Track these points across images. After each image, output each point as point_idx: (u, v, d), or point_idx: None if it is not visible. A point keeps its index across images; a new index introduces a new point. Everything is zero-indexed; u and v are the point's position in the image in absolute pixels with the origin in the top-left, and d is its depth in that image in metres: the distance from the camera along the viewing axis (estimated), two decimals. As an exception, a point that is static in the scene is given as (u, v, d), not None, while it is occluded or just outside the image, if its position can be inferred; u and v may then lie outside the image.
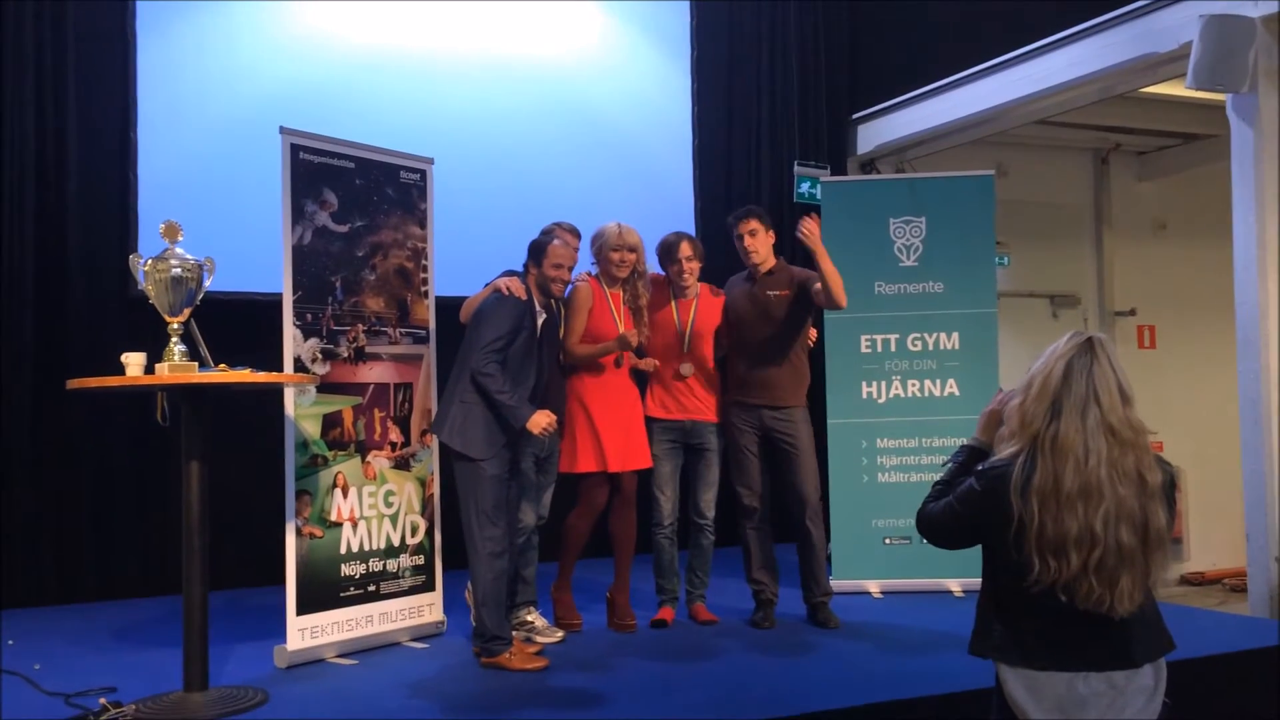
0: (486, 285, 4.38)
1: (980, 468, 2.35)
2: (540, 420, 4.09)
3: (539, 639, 4.48)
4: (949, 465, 2.49)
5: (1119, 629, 2.26)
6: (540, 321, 4.33)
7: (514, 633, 4.41)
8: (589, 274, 4.79)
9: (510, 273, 4.39)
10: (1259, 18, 5.05)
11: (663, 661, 4.26)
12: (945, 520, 2.41)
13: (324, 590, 4.33)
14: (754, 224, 4.82)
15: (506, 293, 4.25)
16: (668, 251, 4.82)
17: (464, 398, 4.18)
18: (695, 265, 4.81)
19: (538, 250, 4.35)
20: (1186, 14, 5.30)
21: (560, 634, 4.57)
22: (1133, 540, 2.20)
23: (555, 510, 4.71)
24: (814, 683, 3.94)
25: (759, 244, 4.82)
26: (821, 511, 4.90)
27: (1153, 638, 2.32)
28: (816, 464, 4.87)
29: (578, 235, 4.69)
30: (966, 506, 2.35)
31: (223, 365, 3.83)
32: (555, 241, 4.36)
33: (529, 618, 4.56)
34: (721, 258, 5.36)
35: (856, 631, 4.69)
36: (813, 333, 5.00)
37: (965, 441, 2.52)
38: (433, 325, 4.81)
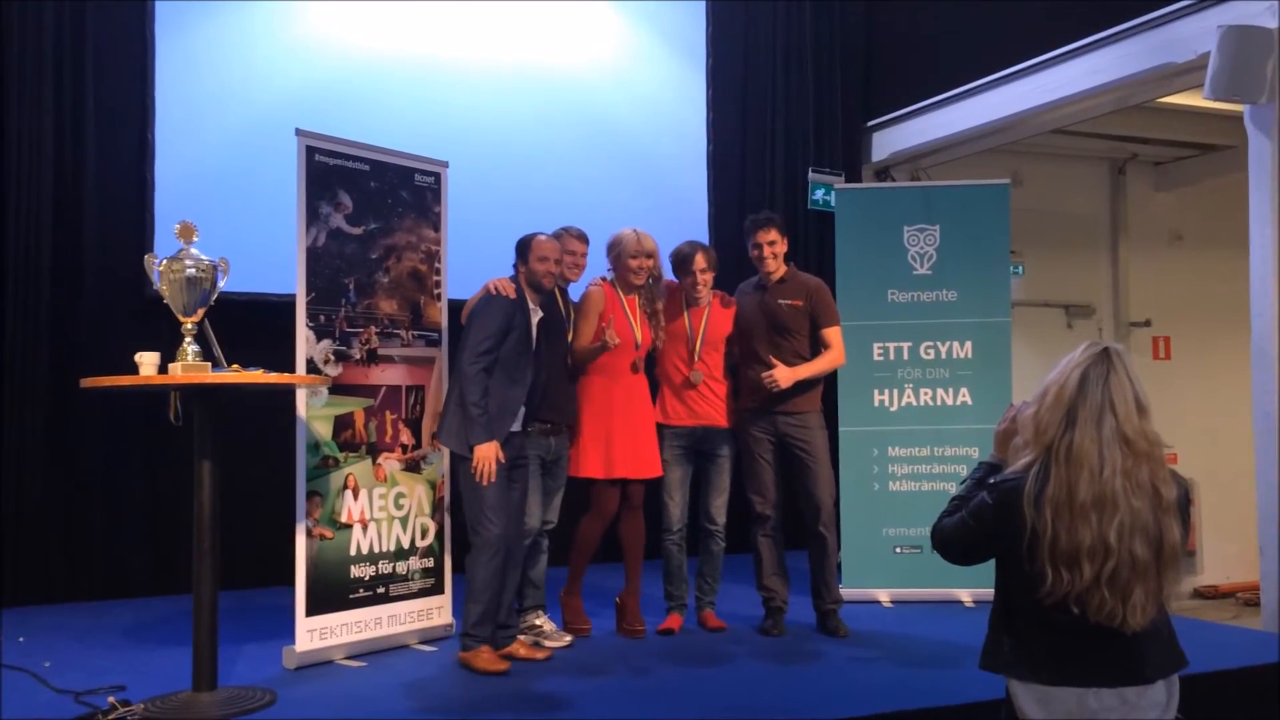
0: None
1: (992, 481, 2.34)
2: (487, 453, 4.06)
3: (547, 643, 4.48)
4: (967, 481, 2.48)
5: (1132, 644, 2.24)
6: (536, 320, 4.32)
7: (521, 635, 4.43)
8: (603, 278, 4.79)
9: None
10: (1277, 29, 5.02)
11: (670, 668, 4.25)
12: (959, 535, 2.40)
13: (333, 592, 4.33)
14: (774, 234, 4.81)
15: (495, 292, 4.27)
16: (682, 263, 4.81)
17: (459, 400, 4.20)
18: (709, 277, 4.80)
19: (523, 246, 4.37)
20: (1205, 24, 5.28)
21: (568, 638, 4.56)
22: (1146, 553, 2.18)
23: (565, 515, 4.71)
24: (822, 692, 3.92)
25: (777, 252, 4.82)
26: (835, 518, 4.89)
27: (1166, 654, 2.30)
28: (832, 470, 4.86)
29: (585, 240, 4.69)
30: (979, 521, 2.33)
31: (235, 366, 3.84)
32: (540, 236, 4.38)
33: (537, 621, 4.56)
34: (734, 264, 5.36)
35: (866, 640, 4.67)
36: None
37: (985, 459, 2.52)
38: (445, 328, 4.82)
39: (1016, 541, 2.23)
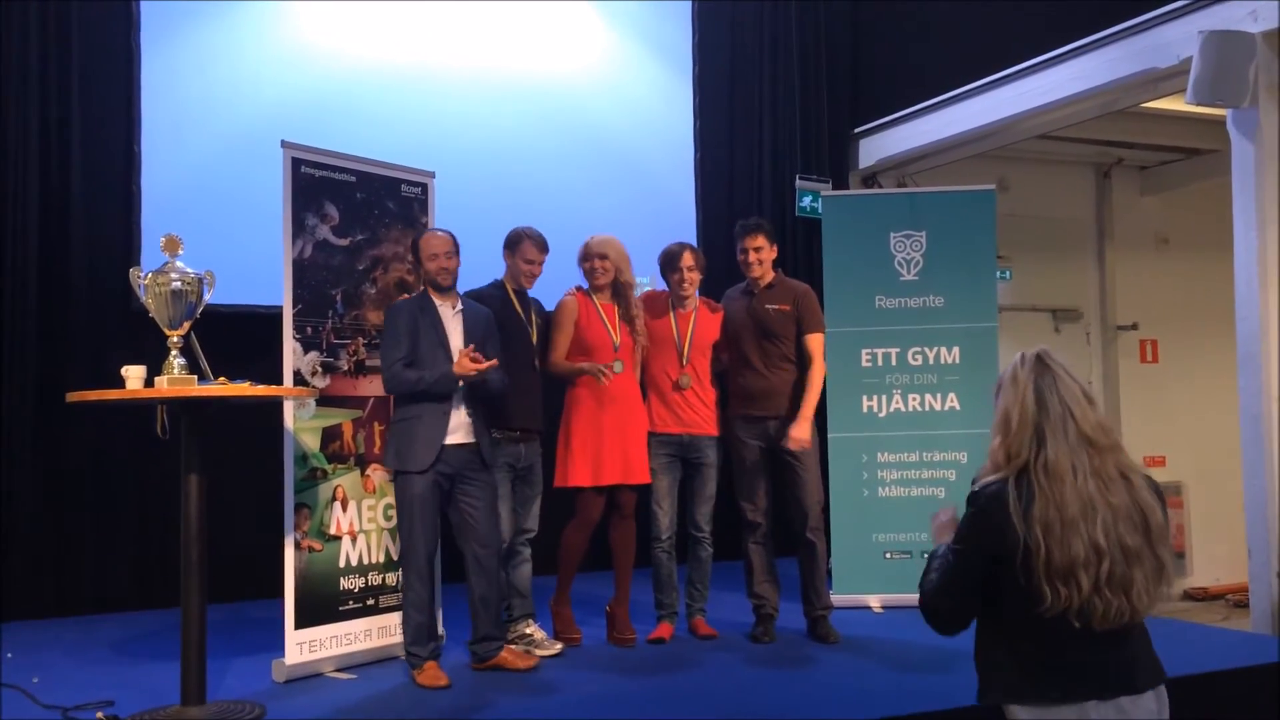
0: None
1: (973, 492, 2.33)
2: (463, 368, 4.03)
3: (538, 651, 4.48)
4: (930, 564, 2.47)
5: (1123, 655, 2.26)
6: (454, 313, 4.24)
7: (513, 645, 4.43)
8: (578, 287, 4.79)
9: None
10: (1259, 33, 5.05)
11: (660, 676, 4.24)
12: (947, 576, 2.36)
13: (322, 604, 4.32)
14: (760, 240, 4.82)
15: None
16: (670, 260, 4.83)
17: (395, 418, 4.23)
18: (696, 276, 4.81)
19: (415, 247, 4.35)
20: (1187, 29, 5.31)
21: (559, 647, 4.56)
22: (1136, 539, 2.21)
23: (553, 523, 4.70)
24: (813, 698, 3.92)
25: (763, 258, 4.83)
26: (824, 524, 4.88)
27: (1153, 664, 2.32)
28: (820, 475, 4.86)
29: (543, 249, 4.62)
30: (968, 541, 2.32)
31: (222, 378, 3.83)
32: (425, 233, 4.37)
33: (528, 630, 4.56)
34: (723, 270, 5.37)
35: (856, 646, 4.67)
36: None
37: (931, 552, 2.51)
38: (433, 338, 4.80)
39: (1010, 552, 2.22)
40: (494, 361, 4.12)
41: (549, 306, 4.81)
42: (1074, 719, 2.24)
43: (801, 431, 4.69)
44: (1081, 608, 2.18)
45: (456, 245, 4.29)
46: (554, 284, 4.88)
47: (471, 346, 4.09)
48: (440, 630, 4.68)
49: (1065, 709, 2.24)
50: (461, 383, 4.11)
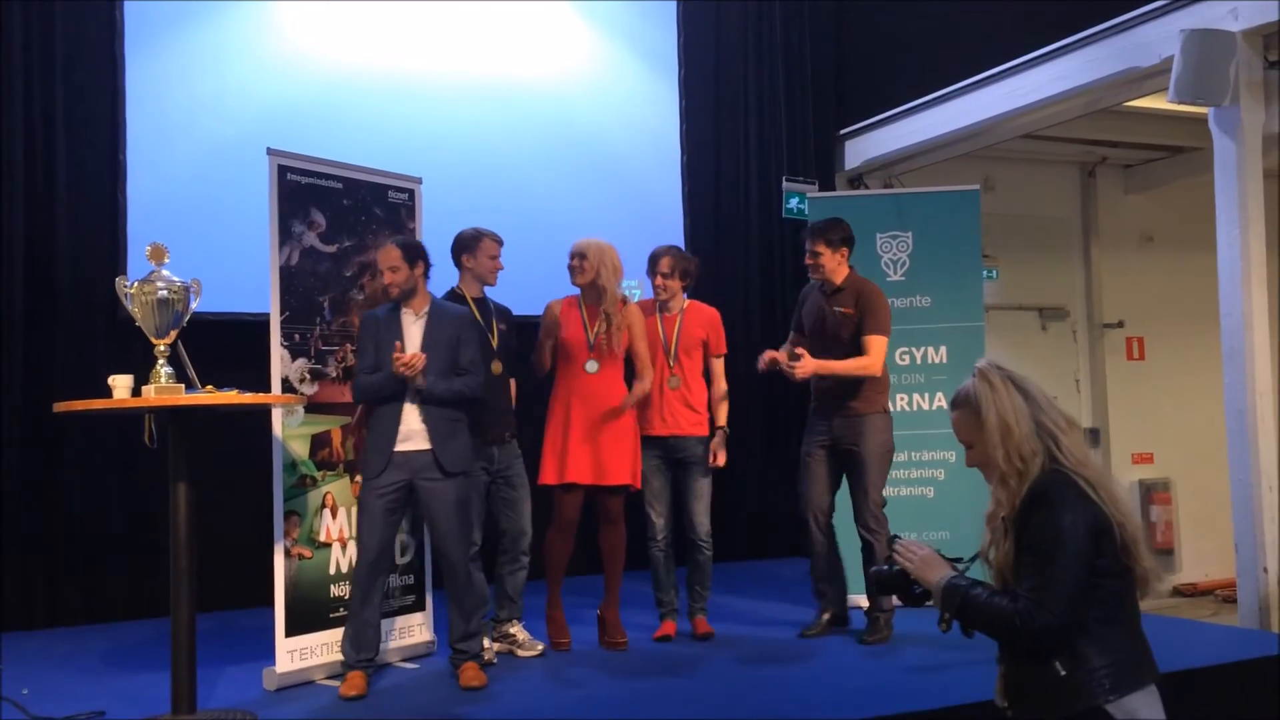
0: None
1: (1034, 495, 2.22)
2: (401, 358, 3.99)
3: (520, 652, 4.53)
4: (971, 594, 2.27)
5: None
6: (416, 322, 4.18)
7: (495, 643, 4.48)
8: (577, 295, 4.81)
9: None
10: (1239, 32, 5.09)
11: (650, 679, 4.25)
12: (1062, 568, 2.15)
13: (313, 611, 4.31)
14: (819, 246, 4.79)
15: None
16: (649, 265, 4.90)
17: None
18: (671, 283, 4.84)
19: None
20: (1168, 28, 5.34)
21: (540, 647, 4.58)
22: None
23: (539, 528, 4.71)
24: (802, 698, 3.93)
25: (823, 263, 4.79)
26: (874, 519, 4.73)
27: None
28: (878, 473, 4.75)
29: (500, 240, 4.64)
30: (1069, 534, 2.16)
31: (210, 386, 3.82)
32: (381, 248, 4.34)
33: (512, 630, 4.60)
34: (709, 273, 5.38)
35: (847, 645, 4.69)
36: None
37: (945, 583, 2.30)
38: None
39: (1109, 532, 2.18)
40: (412, 363, 3.99)
41: (537, 312, 4.82)
42: (1154, 699, 2.21)
43: (805, 365, 4.61)
44: (1147, 580, 2.21)
45: (410, 254, 4.17)
46: (545, 288, 4.91)
47: (398, 346, 4.04)
48: (432, 635, 4.69)
49: (1150, 691, 2.21)
50: (408, 384, 4.05)
